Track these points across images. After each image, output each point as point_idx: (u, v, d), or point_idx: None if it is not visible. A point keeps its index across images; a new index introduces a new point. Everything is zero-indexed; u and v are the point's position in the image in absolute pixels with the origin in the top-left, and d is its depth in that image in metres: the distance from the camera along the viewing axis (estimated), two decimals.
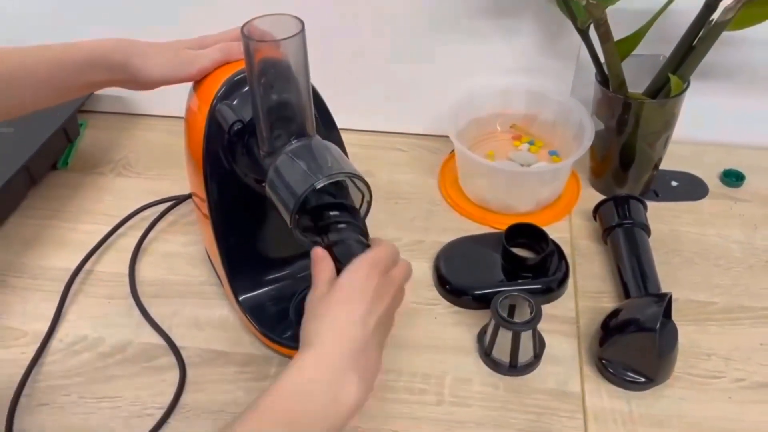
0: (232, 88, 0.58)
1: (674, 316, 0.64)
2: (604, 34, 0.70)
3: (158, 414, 0.62)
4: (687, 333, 0.68)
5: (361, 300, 0.48)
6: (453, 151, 0.90)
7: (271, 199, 0.55)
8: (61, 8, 0.90)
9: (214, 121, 0.58)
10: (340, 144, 0.64)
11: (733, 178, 0.86)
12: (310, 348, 0.46)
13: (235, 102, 0.58)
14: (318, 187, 0.51)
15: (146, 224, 0.82)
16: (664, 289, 0.69)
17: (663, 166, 0.84)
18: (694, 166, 0.88)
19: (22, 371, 0.65)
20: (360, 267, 0.50)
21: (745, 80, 0.86)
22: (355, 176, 0.52)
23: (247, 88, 0.58)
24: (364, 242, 0.53)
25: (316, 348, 0.46)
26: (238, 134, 0.56)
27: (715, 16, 0.69)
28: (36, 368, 0.66)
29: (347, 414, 0.46)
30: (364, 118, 0.94)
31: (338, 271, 0.51)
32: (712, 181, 0.86)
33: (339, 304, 0.48)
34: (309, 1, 0.78)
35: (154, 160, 0.93)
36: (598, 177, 0.86)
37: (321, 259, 0.52)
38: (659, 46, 0.76)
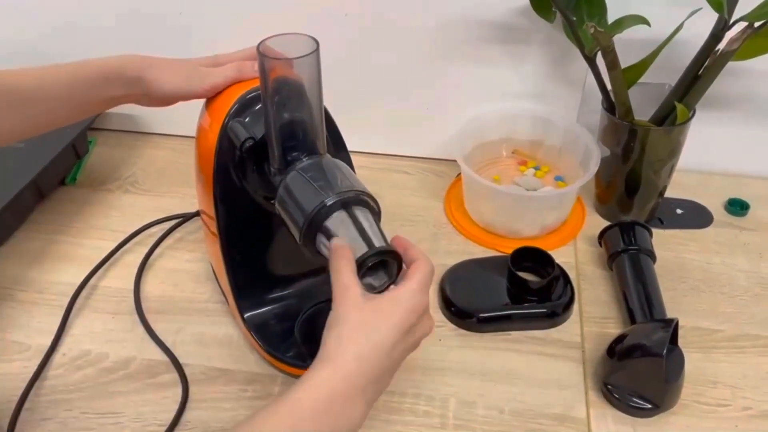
0: (245, 105, 0.59)
1: (680, 343, 0.64)
2: (612, 62, 0.71)
3: (160, 431, 0.61)
4: (693, 360, 0.67)
5: (398, 331, 0.47)
6: (459, 174, 0.91)
7: (281, 216, 0.55)
8: (73, 36, 0.92)
9: (225, 138, 0.58)
10: (350, 165, 0.65)
11: (737, 207, 0.86)
12: (331, 363, 0.45)
13: (247, 119, 0.58)
14: (328, 204, 0.51)
15: (152, 241, 0.82)
16: (669, 316, 0.69)
17: (668, 194, 0.84)
18: (699, 195, 0.88)
19: (25, 385, 0.65)
20: (408, 296, 0.48)
21: (750, 110, 0.87)
22: (364, 194, 0.53)
23: (259, 106, 0.58)
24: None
25: (338, 366, 0.45)
26: (250, 151, 0.57)
27: (721, 46, 0.70)
28: (38, 382, 0.66)
29: None
30: (371, 141, 0.95)
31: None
32: (717, 210, 0.86)
33: (372, 328, 0.46)
34: (321, 26, 0.79)
35: (162, 178, 0.93)
36: (603, 203, 0.86)
37: (341, 250, 0.49)
38: (665, 74, 0.77)
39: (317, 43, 0.49)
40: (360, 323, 0.46)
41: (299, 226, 0.52)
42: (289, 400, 0.44)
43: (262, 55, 0.49)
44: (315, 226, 0.51)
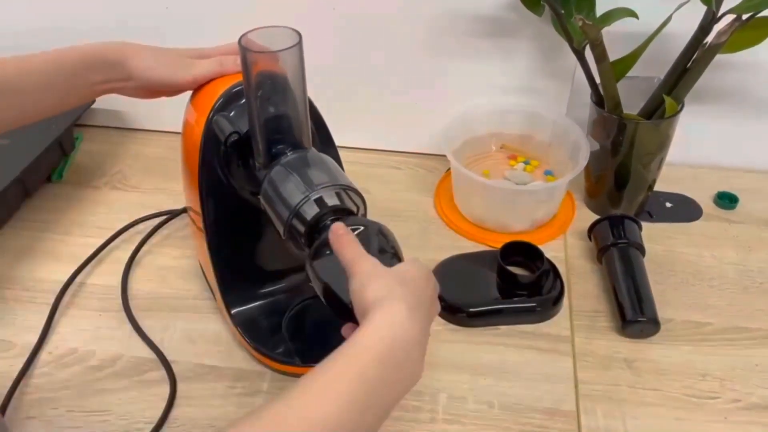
0: (230, 100, 0.58)
1: (669, 336, 0.64)
2: (600, 55, 0.71)
3: (147, 428, 0.61)
4: (682, 353, 0.68)
5: (429, 293, 0.47)
6: (449, 169, 0.90)
7: (266, 211, 0.55)
8: (58, 29, 0.90)
9: (210, 133, 0.58)
10: (338, 161, 0.64)
11: (726, 200, 0.86)
12: (385, 308, 0.43)
13: (232, 114, 0.58)
14: (312, 198, 0.50)
15: (140, 238, 0.81)
16: (659, 310, 0.69)
17: (657, 187, 0.84)
18: (688, 188, 0.88)
19: (10, 383, 0.64)
20: (424, 268, 0.48)
21: (739, 103, 0.87)
22: (349, 189, 0.52)
23: (244, 100, 0.58)
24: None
25: (393, 311, 0.43)
26: (235, 146, 0.56)
27: (709, 39, 0.70)
28: (24, 380, 0.65)
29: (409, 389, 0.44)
30: (360, 137, 0.94)
31: None
32: (706, 203, 0.86)
33: (410, 284, 0.45)
34: (308, 21, 0.79)
35: (149, 175, 0.92)
36: (592, 197, 0.86)
37: (343, 233, 0.48)
38: (654, 67, 0.77)
39: (300, 35, 0.49)
40: (399, 277, 0.45)
41: (284, 220, 0.51)
42: (354, 345, 0.42)
43: (243, 48, 0.49)
44: (299, 220, 0.51)
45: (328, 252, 0.48)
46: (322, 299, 0.49)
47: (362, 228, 0.50)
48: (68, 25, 0.89)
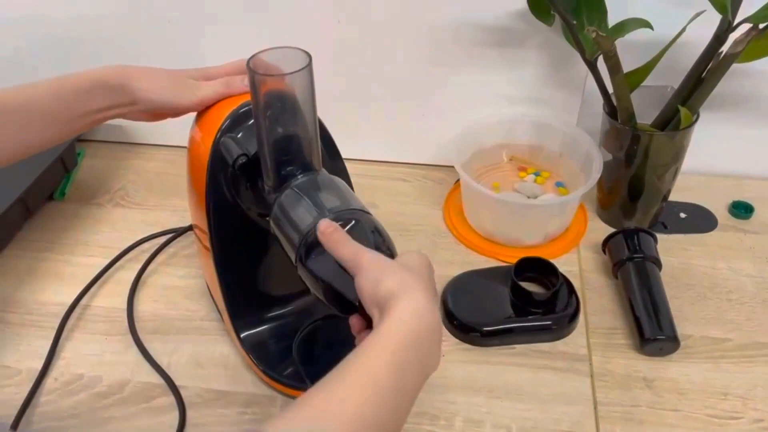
0: (237, 120, 0.57)
1: (688, 353, 0.63)
2: (614, 66, 0.69)
3: None
4: (701, 371, 0.66)
5: (431, 284, 0.48)
6: (458, 181, 0.89)
7: (276, 235, 0.53)
8: (63, 48, 0.89)
9: (218, 155, 0.57)
10: (345, 174, 0.63)
11: (742, 209, 0.84)
12: (405, 300, 0.44)
13: (239, 135, 0.56)
14: None
15: (145, 257, 0.79)
16: (677, 325, 0.67)
17: (671, 197, 0.83)
18: (703, 198, 0.86)
19: (15, 412, 0.63)
20: (421, 256, 0.49)
21: (754, 112, 0.86)
22: (362, 212, 0.51)
23: (252, 121, 0.56)
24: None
25: (413, 302, 0.44)
26: (243, 168, 0.55)
27: (725, 48, 0.69)
28: (29, 409, 0.64)
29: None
30: (367, 149, 0.93)
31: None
32: (721, 213, 0.85)
33: (417, 274, 0.46)
34: (315, 33, 0.77)
35: (153, 191, 0.91)
36: (605, 208, 0.84)
37: (332, 230, 0.48)
38: (667, 77, 0.76)
39: (310, 56, 0.47)
40: (407, 268, 0.46)
41: (295, 245, 0.50)
42: (382, 335, 0.43)
43: (252, 70, 0.47)
44: (311, 246, 0.49)
45: (320, 251, 0.48)
46: (322, 299, 0.50)
47: (353, 222, 0.50)
48: (69, 44, 0.88)
